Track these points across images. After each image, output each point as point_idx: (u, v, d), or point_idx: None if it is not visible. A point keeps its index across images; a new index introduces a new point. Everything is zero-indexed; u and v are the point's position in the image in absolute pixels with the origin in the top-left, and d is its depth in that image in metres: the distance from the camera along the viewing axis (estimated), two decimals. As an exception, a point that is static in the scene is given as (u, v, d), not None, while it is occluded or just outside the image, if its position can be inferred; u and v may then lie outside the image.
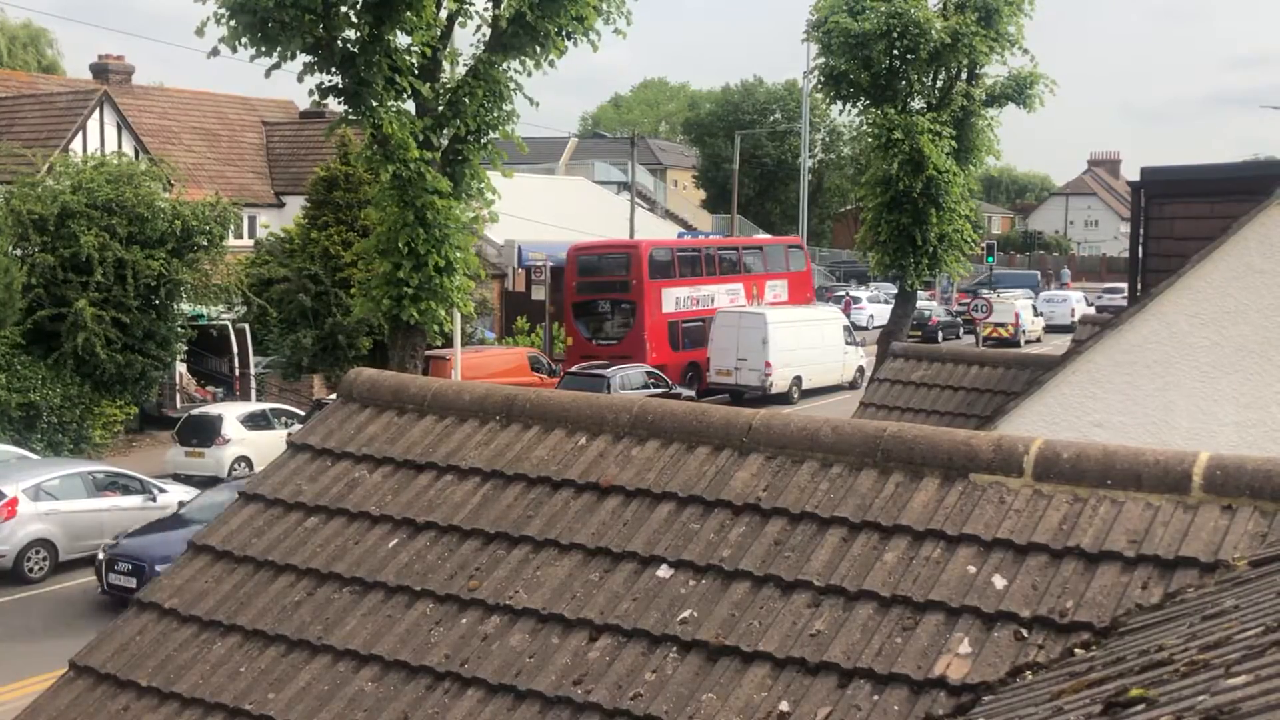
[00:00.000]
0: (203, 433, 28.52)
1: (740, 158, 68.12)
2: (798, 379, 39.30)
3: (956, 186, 29.90)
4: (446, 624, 4.42)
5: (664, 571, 4.36)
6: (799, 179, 76.01)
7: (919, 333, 53.51)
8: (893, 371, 11.94)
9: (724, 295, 42.48)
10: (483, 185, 21.83)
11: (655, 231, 61.06)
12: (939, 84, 30.92)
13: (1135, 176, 10.83)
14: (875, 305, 64.07)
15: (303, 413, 30.48)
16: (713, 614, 4.13)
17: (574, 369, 34.91)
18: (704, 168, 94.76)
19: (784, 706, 3.77)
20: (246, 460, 28.09)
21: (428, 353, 36.90)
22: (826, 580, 4.14)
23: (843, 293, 73.00)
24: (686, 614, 4.15)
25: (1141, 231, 10.42)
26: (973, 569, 4.06)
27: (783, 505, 4.45)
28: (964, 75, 30.85)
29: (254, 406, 30.91)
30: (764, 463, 4.65)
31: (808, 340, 39.23)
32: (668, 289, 41.05)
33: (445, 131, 20.97)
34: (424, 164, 20.22)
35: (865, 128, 31.51)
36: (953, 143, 29.78)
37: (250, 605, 4.74)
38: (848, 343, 41.51)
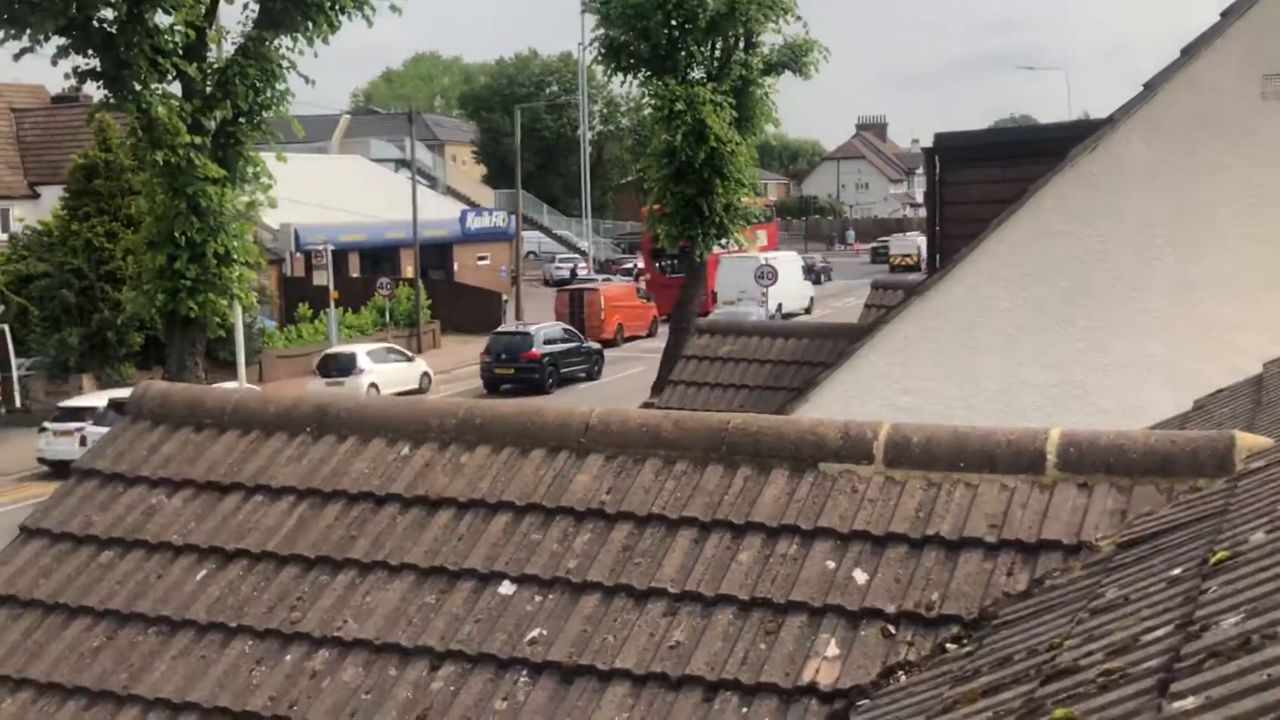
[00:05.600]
0: (341, 366, 36.35)
1: (520, 132, 67.52)
2: (779, 305, 49.92)
3: (741, 156, 30.09)
4: (269, 662, 4.04)
5: (506, 588, 4.07)
6: (579, 152, 75.92)
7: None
8: (699, 348, 11.82)
9: None
10: (258, 170, 20.87)
11: (437, 210, 60.11)
12: (718, 53, 31.02)
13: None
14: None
15: (409, 353, 40.13)
16: (563, 631, 3.87)
17: (499, 329, 42.02)
18: (483, 143, 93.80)
19: (650, 728, 3.53)
20: (375, 386, 35.24)
21: (573, 286, 52.02)
22: (681, 586, 3.93)
23: (631, 264, 73.34)
24: (535, 633, 3.88)
25: (937, 196, 10.55)
26: (832, 564, 3.90)
27: (628, 508, 4.21)
28: (741, 44, 31.02)
29: (375, 345, 39.44)
30: (605, 463, 4.40)
31: (785, 277, 48.52)
32: None
33: (216, 114, 19.97)
34: (194, 149, 19.20)
35: (647, 99, 31.42)
36: (733, 112, 29.93)
37: (42, 655, 4.26)
38: (805, 279, 57.33)
